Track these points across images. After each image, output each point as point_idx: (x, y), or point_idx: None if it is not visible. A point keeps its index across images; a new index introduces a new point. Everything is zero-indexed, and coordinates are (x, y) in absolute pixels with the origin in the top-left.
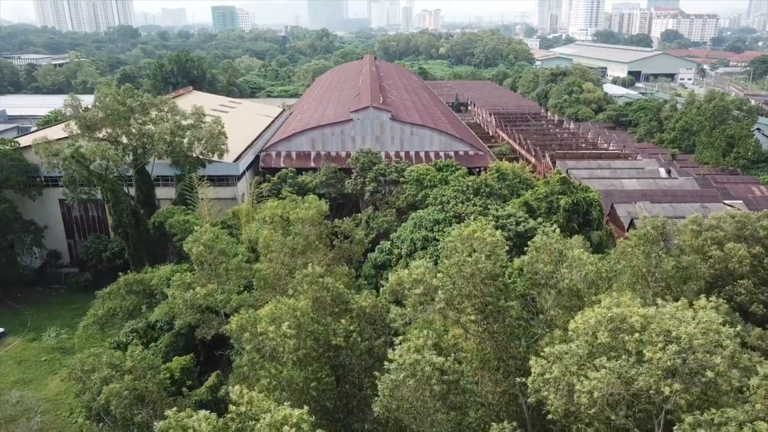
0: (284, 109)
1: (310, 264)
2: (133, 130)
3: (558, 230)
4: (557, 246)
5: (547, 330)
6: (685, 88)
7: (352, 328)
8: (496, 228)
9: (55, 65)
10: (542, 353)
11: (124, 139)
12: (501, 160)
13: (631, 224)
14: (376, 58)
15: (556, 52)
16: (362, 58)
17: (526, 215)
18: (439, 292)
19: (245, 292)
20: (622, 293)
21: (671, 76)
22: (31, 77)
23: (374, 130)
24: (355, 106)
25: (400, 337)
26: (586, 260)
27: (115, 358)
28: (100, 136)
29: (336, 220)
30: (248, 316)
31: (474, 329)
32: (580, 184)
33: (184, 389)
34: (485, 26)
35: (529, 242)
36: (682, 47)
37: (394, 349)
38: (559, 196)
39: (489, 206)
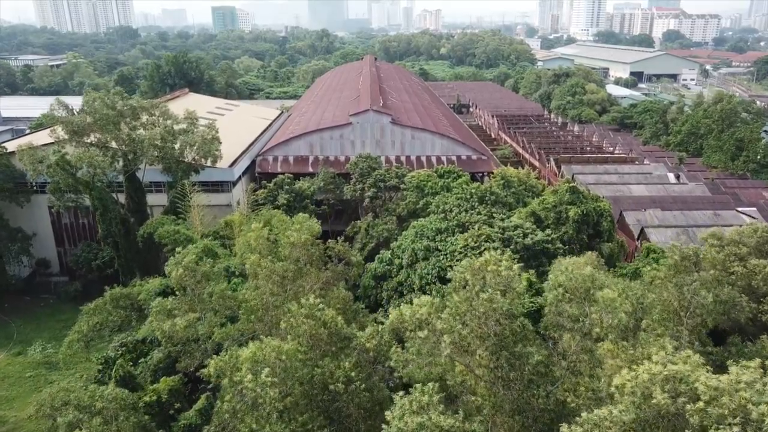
0: (282, 112)
1: (307, 294)
2: (123, 136)
3: (589, 268)
4: (585, 285)
5: (571, 376)
6: (688, 89)
7: (353, 374)
8: (502, 241)
9: (51, 66)
10: (577, 420)
11: (114, 145)
12: (506, 165)
13: (642, 233)
14: (376, 58)
15: (557, 52)
16: (362, 58)
17: (534, 226)
18: (445, 337)
19: (229, 323)
20: (661, 336)
21: (674, 77)
22: (27, 78)
23: (374, 134)
24: (355, 109)
25: (401, 393)
26: (619, 305)
27: (85, 398)
28: (89, 141)
29: (329, 241)
30: (228, 358)
31: (486, 375)
32: (588, 192)
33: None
34: (486, 26)
35: (550, 276)
36: (684, 47)
37: (394, 397)
38: (568, 206)
39: (494, 215)
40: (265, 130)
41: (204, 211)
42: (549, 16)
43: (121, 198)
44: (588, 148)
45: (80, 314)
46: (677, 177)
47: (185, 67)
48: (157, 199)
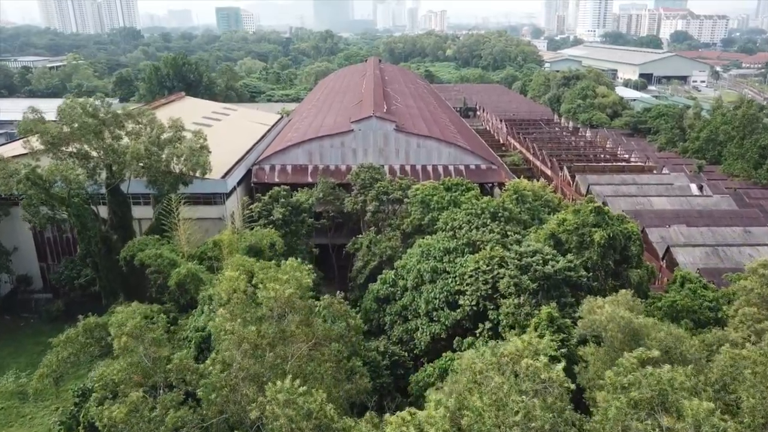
0: (282, 116)
1: (291, 362)
2: (105, 146)
3: (667, 366)
4: (660, 388)
5: None
6: (699, 91)
7: None
8: (519, 268)
9: (51, 68)
10: None
11: (95, 154)
12: (515, 173)
13: (667, 252)
14: (380, 60)
15: (564, 53)
16: (366, 60)
17: (554, 252)
18: None
19: (190, 400)
20: None
21: (684, 79)
22: (25, 80)
23: (377, 142)
24: (357, 116)
25: None
26: (718, 421)
27: None
28: (68, 151)
29: (325, 297)
30: None
31: None
32: (604, 204)
33: None
34: (491, 27)
35: (580, 322)
36: (692, 48)
37: None
38: (593, 229)
39: (508, 234)
40: (263, 137)
41: (194, 227)
42: (555, 16)
43: (105, 211)
44: (602, 156)
45: (50, 347)
46: (700, 188)
47: (184, 70)
48: (145, 212)
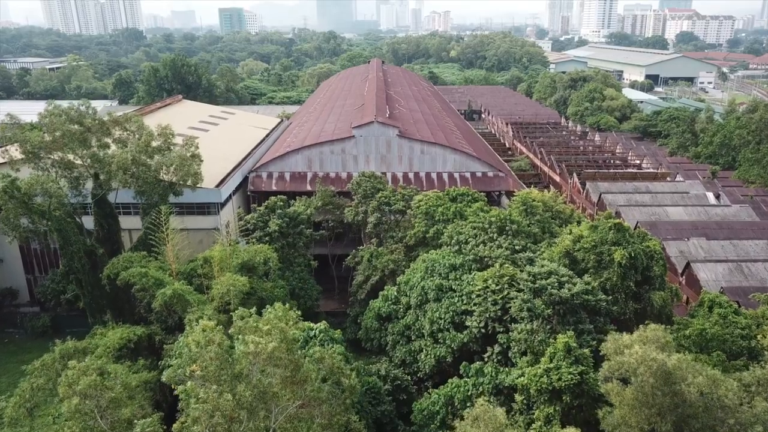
0: (282, 119)
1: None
2: (90, 154)
3: None
4: None
5: None
6: (706, 92)
7: None
8: (533, 291)
9: (50, 69)
10: None
11: (79, 163)
12: (522, 179)
13: (687, 268)
14: (383, 62)
15: (570, 54)
16: (369, 62)
17: (570, 273)
18: None
19: None
20: None
21: (690, 80)
22: (23, 82)
23: (379, 149)
24: (358, 121)
25: None
26: None
27: None
28: (51, 159)
29: (317, 350)
30: None
31: None
32: (617, 214)
33: None
34: (495, 28)
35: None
36: (699, 49)
37: None
38: (612, 248)
39: (517, 249)
40: (261, 142)
41: (186, 239)
42: (559, 17)
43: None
44: (612, 161)
45: (25, 376)
46: (717, 197)
47: (183, 71)
48: (135, 222)
